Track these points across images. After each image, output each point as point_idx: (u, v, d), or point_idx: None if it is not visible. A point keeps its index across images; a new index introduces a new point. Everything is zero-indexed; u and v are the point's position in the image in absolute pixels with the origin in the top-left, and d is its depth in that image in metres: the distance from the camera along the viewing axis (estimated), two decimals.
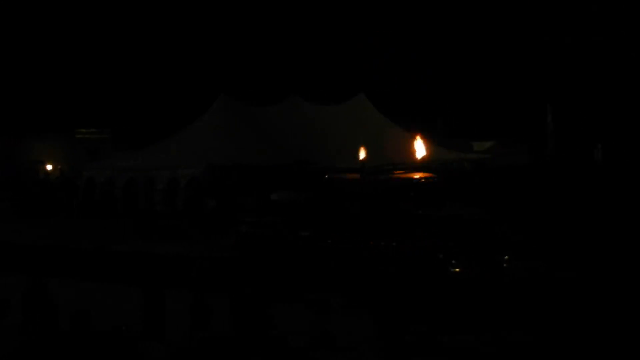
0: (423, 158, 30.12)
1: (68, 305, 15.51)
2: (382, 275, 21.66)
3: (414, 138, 30.30)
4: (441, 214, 26.98)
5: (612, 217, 36.81)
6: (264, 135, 47.86)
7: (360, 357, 18.10)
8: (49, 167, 57.34)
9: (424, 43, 62.36)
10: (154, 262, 19.74)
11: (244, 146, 45.43)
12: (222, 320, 19.34)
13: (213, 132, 48.01)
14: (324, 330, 13.12)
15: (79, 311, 14.34)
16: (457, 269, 25.89)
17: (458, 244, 26.23)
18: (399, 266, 25.83)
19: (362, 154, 27.46)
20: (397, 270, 19.87)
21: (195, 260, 20.52)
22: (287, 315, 19.93)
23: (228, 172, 44.69)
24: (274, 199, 30.53)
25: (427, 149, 31.64)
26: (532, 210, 40.16)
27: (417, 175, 28.52)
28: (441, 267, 25.97)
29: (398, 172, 30.49)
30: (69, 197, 50.77)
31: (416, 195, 27.67)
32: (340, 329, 16.26)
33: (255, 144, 46.18)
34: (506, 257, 26.94)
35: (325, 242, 28.05)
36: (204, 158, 45.91)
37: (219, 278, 19.76)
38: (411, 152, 30.52)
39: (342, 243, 27.74)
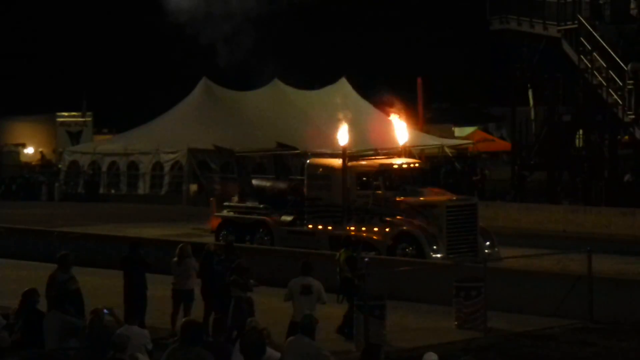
0: (405, 144, 30.12)
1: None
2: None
3: (395, 123, 30.25)
4: (421, 201, 27.01)
5: None
6: (246, 119, 47.84)
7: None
8: (30, 150, 57.18)
9: (403, 28, 62.45)
10: (135, 246, 19.71)
11: (226, 131, 45.39)
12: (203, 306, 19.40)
13: (195, 116, 47.97)
14: (307, 314, 13.18)
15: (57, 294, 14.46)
16: (438, 255, 26.00)
17: (438, 229, 26.30)
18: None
19: (344, 139, 27.40)
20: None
21: (177, 244, 20.52)
22: (269, 299, 19.99)
23: (210, 157, 44.73)
24: (256, 184, 30.50)
25: (409, 134, 31.64)
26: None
27: (399, 161, 28.48)
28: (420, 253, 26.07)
29: (380, 157, 30.48)
30: (50, 181, 50.61)
31: (398, 181, 27.64)
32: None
33: (237, 128, 46.16)
34: (487, 243, 27.06)
35: (307, 227, 28.10)
36: (186, 142, 45.90)
37: (201, 262, 19.76)
38: (393, 137, 30.49)
39: (323, 228, 27.78)
